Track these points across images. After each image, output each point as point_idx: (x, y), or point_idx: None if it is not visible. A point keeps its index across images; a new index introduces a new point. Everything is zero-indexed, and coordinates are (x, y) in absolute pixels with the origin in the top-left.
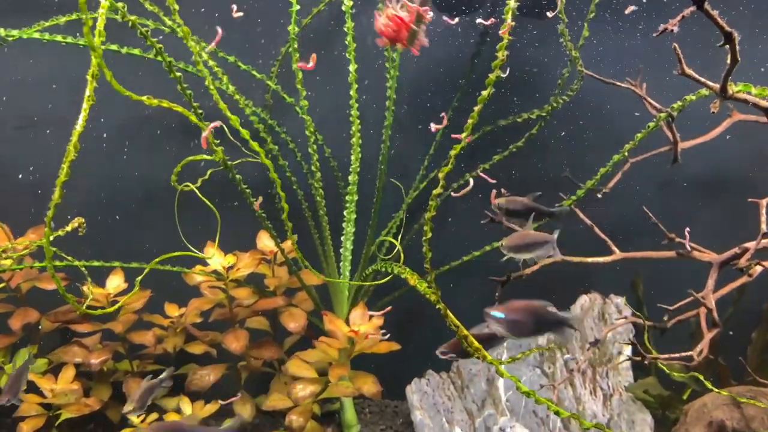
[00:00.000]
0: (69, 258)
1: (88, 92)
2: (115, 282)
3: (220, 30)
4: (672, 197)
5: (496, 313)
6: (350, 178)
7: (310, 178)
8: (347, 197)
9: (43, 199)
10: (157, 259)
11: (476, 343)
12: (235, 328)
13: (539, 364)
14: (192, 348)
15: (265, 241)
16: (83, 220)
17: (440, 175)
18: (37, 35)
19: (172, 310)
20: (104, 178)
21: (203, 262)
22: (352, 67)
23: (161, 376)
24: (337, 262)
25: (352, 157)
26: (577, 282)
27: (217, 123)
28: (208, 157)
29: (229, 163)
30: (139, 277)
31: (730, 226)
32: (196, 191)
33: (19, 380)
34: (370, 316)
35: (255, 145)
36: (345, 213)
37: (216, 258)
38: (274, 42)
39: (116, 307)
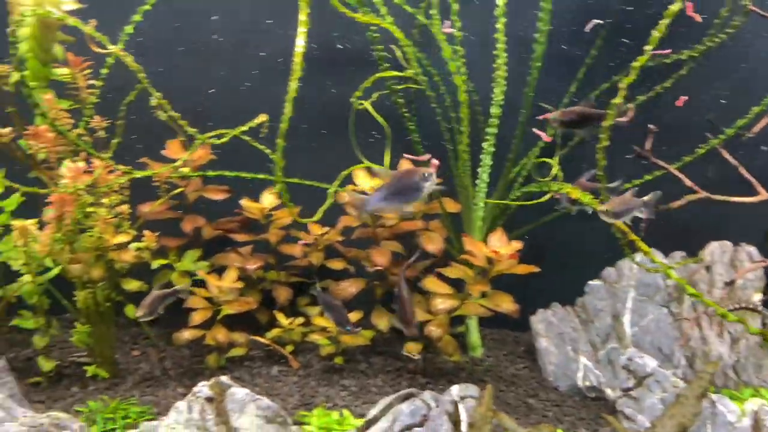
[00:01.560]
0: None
1: (302, 17)
2: (269, 198)
3: None
4: None
5: None
6: (492, 110)
7: (452, 111)
8: (488, 129)
9: (207, 118)
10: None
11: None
12: (380, 246)
13: (666, 303)
14: (333, 264)
15: (406, 168)
16: (267, 117)
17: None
18: None
19: (316, 228)
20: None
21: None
22: (500, 1)
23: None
24: (474, 194)
25: (496, 90)
26: (711, 230)
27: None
28: (396, 73)
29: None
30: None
31: None
32: (370, 109)
33: (161, 302)
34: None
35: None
36: (484, 145)
37: (364, 180)
38: None
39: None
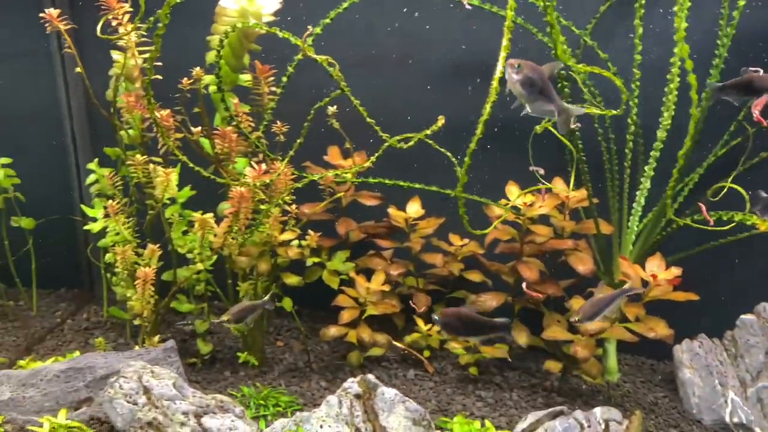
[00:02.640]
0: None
1: (504, 42)
2: (414, 207)
3: None
4: None
5: None
6: (659, 134)
7: (611, 132)
8: (652, 153)
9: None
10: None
11: None
12: (527, 260)
13: None
14: (470, 275)
15: (559, 186)
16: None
17: None
18: None
19: (456, 239)
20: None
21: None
22: (681, 25)
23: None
24: (628, 216)
25: (665, 114)
26: None
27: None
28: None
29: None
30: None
31: None
32: (553, 130)
33: (250, 312)
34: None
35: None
36: (645, 168)
37: (515, 195)
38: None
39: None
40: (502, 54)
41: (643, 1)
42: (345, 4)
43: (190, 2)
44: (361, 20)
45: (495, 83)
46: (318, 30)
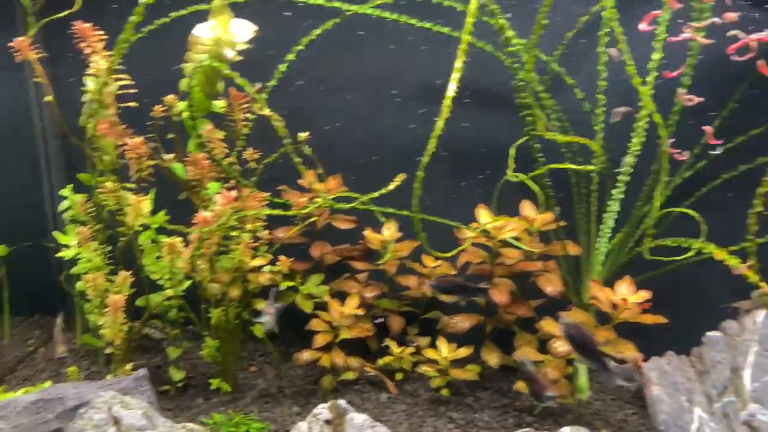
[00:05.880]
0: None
1: (457, 65)
2: (390, 230)
3: None
4: None
5: None
6: (627, 159)
7: (579, 156)
8: (620, 177)
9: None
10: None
11: None
12: (499, 283)
13: None
14: (443, 296)
15: (528, 210)
16: (405, 176)
17: None
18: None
19: (429, 261)
20: (412, 136)
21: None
22: (656, 56)
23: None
24: (596, 237)
25: (635, 140)
26: None
27: None
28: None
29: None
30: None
31: None
32: (531, 181)
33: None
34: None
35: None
36: (613, 192)
37: (486, 219)
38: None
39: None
40: (455, 75)
41: (608, 29)
42: (305, 40)
43: (166, 27)
44: (347, 44)
45: (447, 102)
46: (284, 68)
